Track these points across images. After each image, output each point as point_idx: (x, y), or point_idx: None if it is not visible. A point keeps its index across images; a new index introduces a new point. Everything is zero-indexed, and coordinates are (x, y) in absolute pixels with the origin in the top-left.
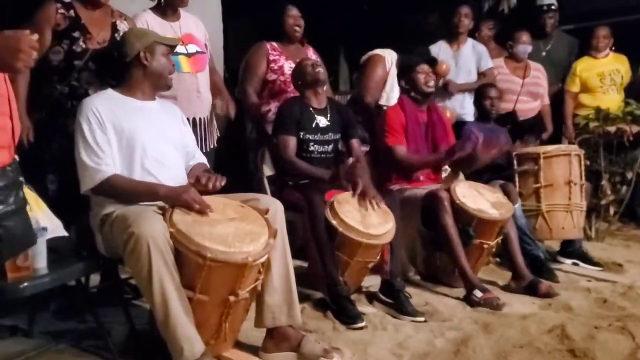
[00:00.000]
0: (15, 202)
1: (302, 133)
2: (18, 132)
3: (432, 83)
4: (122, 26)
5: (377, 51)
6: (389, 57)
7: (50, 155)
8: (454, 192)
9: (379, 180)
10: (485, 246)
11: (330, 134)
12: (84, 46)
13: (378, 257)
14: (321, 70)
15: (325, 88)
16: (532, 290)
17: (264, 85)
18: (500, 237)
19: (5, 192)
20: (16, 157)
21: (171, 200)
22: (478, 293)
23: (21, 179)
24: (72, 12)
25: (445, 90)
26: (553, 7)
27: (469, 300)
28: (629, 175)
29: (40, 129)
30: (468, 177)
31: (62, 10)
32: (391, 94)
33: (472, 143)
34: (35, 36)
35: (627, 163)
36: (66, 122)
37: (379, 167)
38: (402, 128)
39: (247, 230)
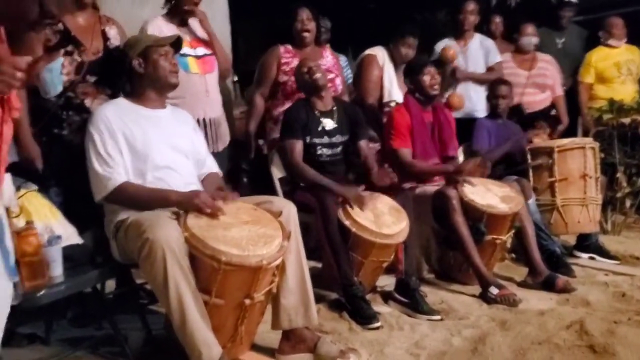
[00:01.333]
0: None
1: (308, 137)
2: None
3: (437, 86)
4: (112, 32)
5: (368, 51)
6: (381, 54)
7: (50, 168)
8: (462, 189)
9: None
10: (498, 241)
11: (337, 136)
12: (79, 59)
13: (392, 257)
14: (319, 76)
15: (341, 89)
16: (548, 285)
17: (276, 87)
18: (513, 232)
19: None
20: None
21: (183, 205)
22: (494, 290)
23: None
24: (60, 25)
25: (453, 77)
26: (574, 1)
27: (485, 297)
28: None
29: (37, 143)
30: None
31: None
32: (392, 89)
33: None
34: (26, 58)
35: None
36: (61, 132)
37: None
38: (407, 130)
39: (261, 233)
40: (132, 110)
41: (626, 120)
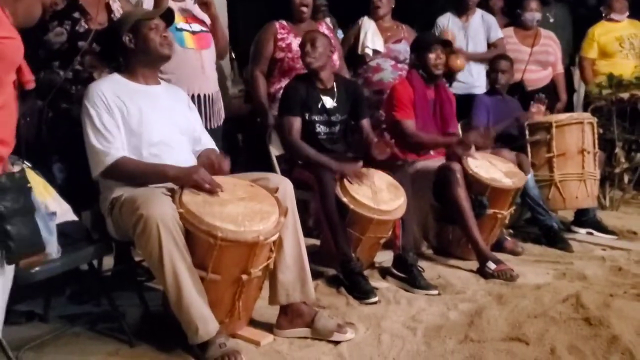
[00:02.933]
0: (24, 204)
1: (307, 114)
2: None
3: (441, 67)
4: (115, 5)
5: None
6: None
7: (56, 142)
8: (466, 163)
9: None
10: (499, 216)
11: (337, 115)
12: (86, 27)
13: (390, 233)
14: (311, 60)
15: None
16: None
17: (273, 64)
18: (513, 207)
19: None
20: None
21: (181, 180)
22: (491, 265)
23: (29, 185)
24: None
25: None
26: None
27: (482, 272)
28: None
29: (44, 117)
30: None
31: None
32: (365, 40)
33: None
34: None
35: None
36: (70, 107)
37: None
38: (410, 103)
39: (257, 210)
40: (126, 86)
41: (625, 96)
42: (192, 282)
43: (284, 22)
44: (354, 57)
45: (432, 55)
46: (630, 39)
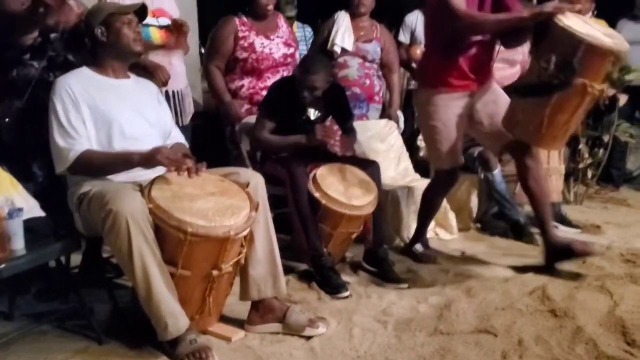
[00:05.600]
0: None
1: (287, 122)
2: None
3: None
4: (72, 2)
5: None
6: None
7: (36, 140)
8: (558, 18)
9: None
10: (590, 90)
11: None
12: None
13: (361, 228)
14: (312, 93)
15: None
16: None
17: (234, 62)
18: (608, 87)
19: None
20: None
21: (146, 162)
22: (419, 247)
23: None
24: None
25: None
26: None
27: (409, 251)
28: (606, 138)
29: (22, 116)
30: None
31: None
32: (336, 37)
33: None
34: None
35: (604, 126)
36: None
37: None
38: None
39: (228, 205)
40: (95, 80)
41: None
42: (162, 278)
43: (244, 18)
44: (323, 52)
45: None
46: None
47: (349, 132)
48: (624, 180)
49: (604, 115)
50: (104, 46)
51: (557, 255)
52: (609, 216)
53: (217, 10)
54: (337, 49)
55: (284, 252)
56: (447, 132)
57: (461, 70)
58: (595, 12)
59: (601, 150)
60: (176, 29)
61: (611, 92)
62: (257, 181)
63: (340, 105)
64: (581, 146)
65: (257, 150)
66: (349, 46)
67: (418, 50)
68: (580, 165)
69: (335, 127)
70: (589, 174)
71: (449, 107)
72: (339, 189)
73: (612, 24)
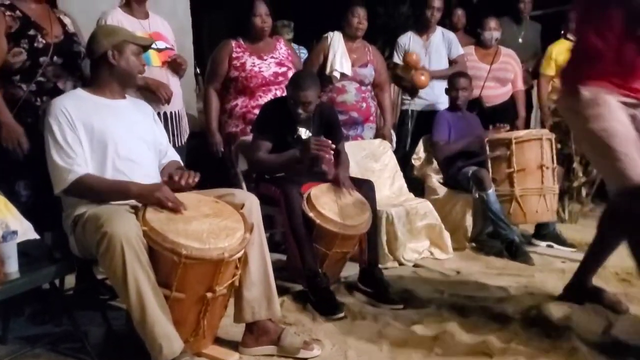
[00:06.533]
0: None
1: (280, 140)
2: None
3: None
4: (67, 20)
5: None
6: (331, 34)
7: (22, 158)
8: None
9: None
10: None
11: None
12: (44, 42)
13: (356, 247)
14: (301, 112)
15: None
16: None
17: (228, 82)
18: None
19: None
20: None
21: (144, 198)
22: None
23: None
24: (18, 12)
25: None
26: None
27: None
28: None
29: None
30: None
31: (8, 13)
32: (334, 61)
33: None
34: None
35: None
36: (36, 120)
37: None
38: None
39: (223, 226)
40: (91, 101)
41: None
42: (156, 301)
43: (241, 41)
44: (320, 75)
45: None
46: None
47: (339, 153)
48: None
49: None
50: (110, 68)
51: (583, 294)
52: None
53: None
54: (337, 74)
55: (278, 273)
56: (627, 131)
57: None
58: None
59: (594, 169)
60: (174, 65)
61: None
62: (251, 202)
63: (331, 126)
64: (575, 165)
65: (255, 172)
66: (348, 71)
67: (422, 77)
68: (575, 184)
69: (329, 141)
70: (583, 192)
71: (620, 108)
72: (333, 209)
73: None
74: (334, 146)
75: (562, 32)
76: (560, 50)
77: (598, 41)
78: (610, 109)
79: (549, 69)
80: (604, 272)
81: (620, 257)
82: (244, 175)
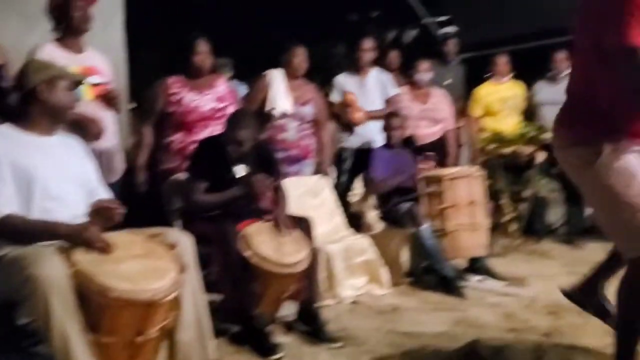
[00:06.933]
0: None
1: (217, 179)
2: None
3: None
4: None
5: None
6: (273, 72)
7: None
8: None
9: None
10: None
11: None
12: None
13: (294, 286)
14: (239, 148)
15: None
16: None
17: (165, 118)
18: None
19: None
20: None
21: (72, 239)
22: None
23: None
24: None
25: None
26: (453, 34)
27: None
28: (526, 193)
29: None
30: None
31: None
32: (276, 99)
33: None
34: None
35: (524, 182)
36: None
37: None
38: None
39: (154, 267)
40: (19, 138)
41: (509, 150)
42: (83, 347)
43: (179, 77)
44: (260, 113)
45: None
46: (512, 99)
47: (277, 190)
48: (546, 232)
49: (524, 171)
50: (41, 104)
51: (596, 308)
52: (533, 268)
53: (149, 67)
54: (277, 112)
55: (214, 314)
56: None
57: None
58: (510, 76)
59: (522, 204)
60: (108, 100)
61: (529, 150)
62: (185, 241)
63: (268, 164)
64: (504, 201)
65: (190, 211)
66: (289, 109)
67: (356, 115)
68: (504, 219)
69: (269, 179)
70: (513, 227)
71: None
72: (270, 247)
73: (530, 85)
74: (273, 185)
75: (487, 75)
76: (486, 92)
77: (612, 94)
78: (630, 163)
79: (476, 110)
80: (533, 305)
81: (549, 290)
82: (178, 213)
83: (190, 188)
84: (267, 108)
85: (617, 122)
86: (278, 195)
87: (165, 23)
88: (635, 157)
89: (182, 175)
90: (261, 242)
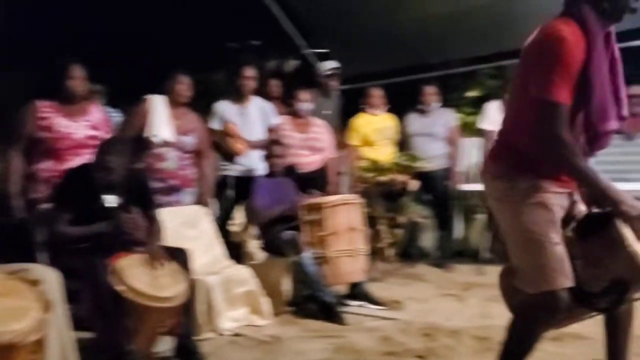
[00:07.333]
0: None
1: (84, 209)
2: None
3: None
4: None
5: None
6: (155, 98)
7: None
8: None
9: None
10: None
11: (120, 213)
12: None
13: (170, 320)
14: (109, 175)
15: None
16: None
17: (34, 144)
18: None
19: None
20: None
21: None
22: None
23: None
24: None
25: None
26: (337, 71)
27: None
28: (401, 220)
29: None
30: None
31: None
32: (156, 125)
33: None
34: None
35: (399, 209)
36: None
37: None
38: (578, 68)
39: (14, 306)
40: None
41: (385, 179)
42: None
43: (50, 102)
44: (138, 139)
45: None
46: (386, 130)
47: (152, 221)
48: (420, 257)
49: (398, 198)
50: None
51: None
52: (409, 292)
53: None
54: (157, 140)
55: (84, 353)
56: (559, 229)
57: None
58: (384, 108)
59: (398, 230)
60: None
61: (403, 178)
62: (51, 277)
63: (142, 193)
64: (381, 227)
65: (56, 243)
66: (170, 138)
67: (238, 145)
68: (381, 245)
69: (141, 217)
70: (390, 252)
71: (555, 199)
72: (144, 281)
73: (401, 117)
74: (144, 224)
75: (362, 106)
76: (362, 123)
77: (531, 137)
78: (550, 200)
79: (354, 140)
80: (408, 328)
81: (424, 312)
82: (44, 246)
83: (54, 219)
84: (146, 134)
85: (534, 162)
86: (152, 226)
87: (32, 43)
88: (547, 197)
89: (45, 207)
90: (134, 275)
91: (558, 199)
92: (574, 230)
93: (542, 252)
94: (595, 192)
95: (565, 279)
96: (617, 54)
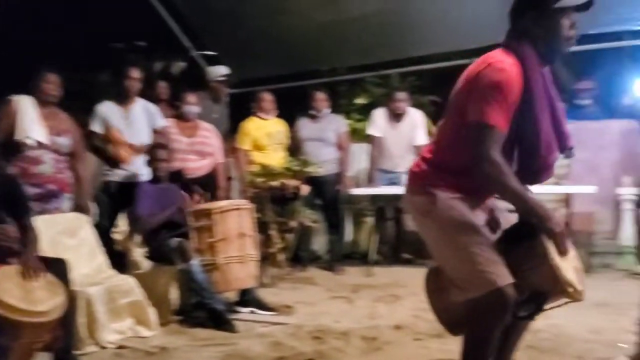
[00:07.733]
0: None
1: None
2: None
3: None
4: None
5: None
6: (22, 99)
7: None
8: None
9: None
10: None
11: None
12: None
13: (48, 335)
14: None
15: None
16: None
17: None
18: None
19: None
20: None
21: None
22: None
23: None
24: None
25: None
26: (228, 75)
27: None
28: (292, 224)
29: None
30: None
31: None
32: (27, 126)
33: None
34: None
35: (290, 213)
36: None
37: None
38: (517, 96)
39: None
40: None
41: (275, 183)
42: None
43: None
44: (6, 143)
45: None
46: (277, 135)
47: (27, 230)
48: (311, 260)
49: (290, 203)
50: None
51: None
52: (299, 296)
53: None
54: (30, 142)
55: None
56: (484, 231)
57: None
58: (275, 113)
59: (289, 235)
60: None
61: (295, 183)
62: None
63: (15, 201)
64: (272, 232)
65: None
66: (44, 139)
67: (122, 152)
68: (272, 250)
69: (14, 227)
70: (281, 257)
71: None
72: (16, 295)
73: (291, 123)
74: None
75: (252, 110)
76: (253, 127)
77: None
78: (466, 209)
79: (245, 144)
80: (298, 332)
81: (314, 315)
82: None
83: None
84: (17, 137)
85: (455, 179)
86: (27, 235)
87: None
88: (465, 207)
89: None
90: (6, 289)
91: (478, 208)
92: (500, 241)
93: (476, 257)
94: (524, 209)
95: (505, 276)
96: (554, 92)
